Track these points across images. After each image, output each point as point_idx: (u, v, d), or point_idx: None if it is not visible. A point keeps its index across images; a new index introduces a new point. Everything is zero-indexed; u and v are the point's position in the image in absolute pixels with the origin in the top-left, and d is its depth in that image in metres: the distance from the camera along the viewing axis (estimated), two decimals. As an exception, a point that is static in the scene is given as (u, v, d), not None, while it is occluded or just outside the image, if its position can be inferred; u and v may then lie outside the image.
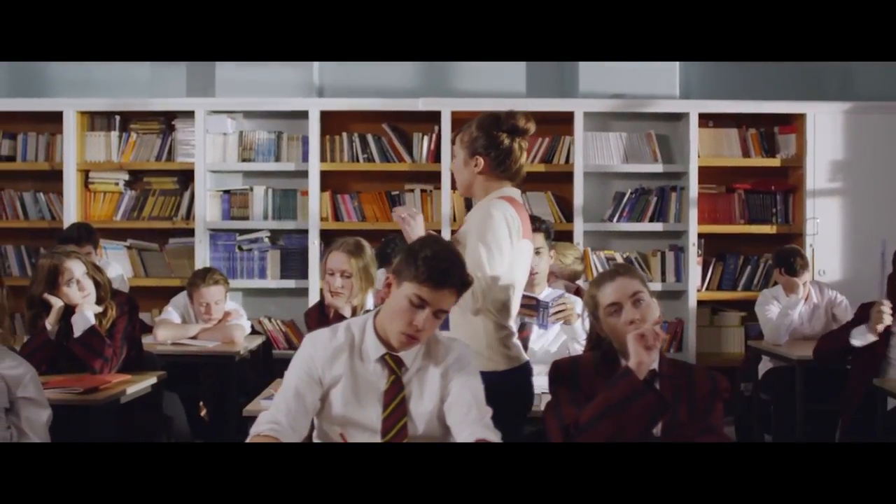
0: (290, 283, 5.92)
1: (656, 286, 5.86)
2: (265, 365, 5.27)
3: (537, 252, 4.01)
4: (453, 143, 3.24)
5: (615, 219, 5.91)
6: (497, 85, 6.09)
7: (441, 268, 2.50)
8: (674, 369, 2.74)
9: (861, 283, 5.36)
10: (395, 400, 2.58)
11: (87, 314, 3.82)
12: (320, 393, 2.58)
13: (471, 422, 2.50)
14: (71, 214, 5.85)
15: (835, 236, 5.80)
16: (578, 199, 5.81)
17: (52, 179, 6.00)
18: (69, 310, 3.86)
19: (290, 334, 5.97)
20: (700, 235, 5.84)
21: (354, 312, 3.77)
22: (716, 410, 2.72)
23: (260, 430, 2.47)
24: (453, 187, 5.84)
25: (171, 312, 4.98)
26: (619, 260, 5.89)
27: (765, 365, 5.20)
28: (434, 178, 5.92)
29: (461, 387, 2.57)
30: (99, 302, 3.90)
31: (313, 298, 5.77)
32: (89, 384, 3.58)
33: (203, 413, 5.06)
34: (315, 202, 5.82)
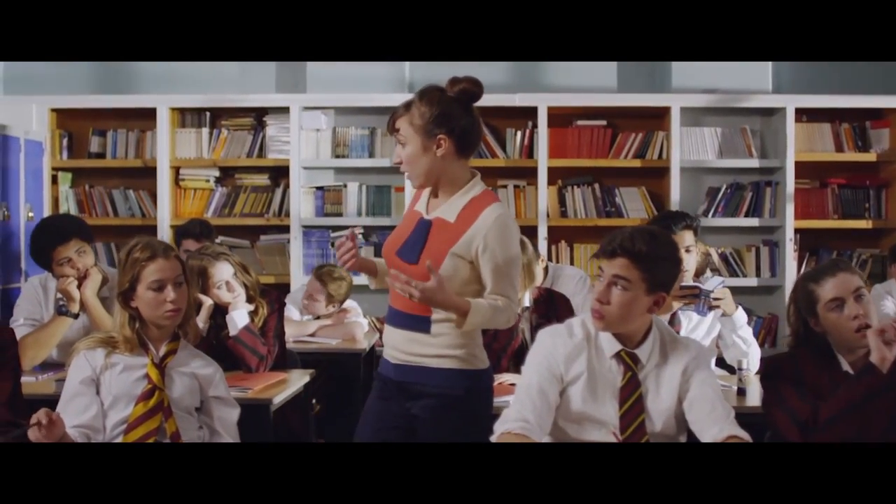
0: (385, 280, 5.87)
1: (751, 281, 5.86)
2: (370, 362, 5.24)
3: (687, 250, 3.97)
4: (394, 130, 2.87)
5: (710, 214, 5.89)
6: (588, 80, 6.08)
7: (609, 238, 2.58)
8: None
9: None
10: (632, 397, 2.57)
11: (242, 313, 3.79)
12: (560, 389, 2.56)
13: (717, 419, 2.49)
14: (164, 211, 5.81)
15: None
16: (675, 194, 5.78)
17: (140, 176, 5.97)
18: (219, 309, 3.83)
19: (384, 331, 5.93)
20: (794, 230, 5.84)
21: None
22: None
23: (510, 428, 2.45)
24: (549, 182, 5.84)
25: (290, 309, 4.94)
26: (715, 255, 5.89)
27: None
28: (527, 173, 5.90)
29: (702, 384, 2.56)
30: (249, 301, 3.86)
31: (409, 295, 5.73)
32: (252, 383, 3.55)
33: (316, 411, 5.02)
34: (410, 198, 5.77)
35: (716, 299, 3.73)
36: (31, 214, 5.54)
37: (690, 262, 3.98)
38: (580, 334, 2.60)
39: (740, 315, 3.83)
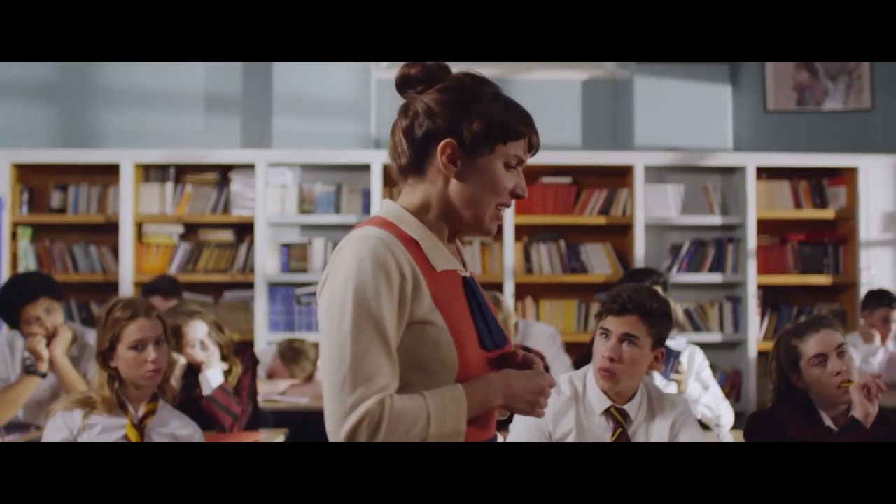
0: (351, 337, 5.83)
1: (715, 337, 5.91)
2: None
3: None
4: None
5: (674, 270, 5.96)
6: (553, 137, 6.13)
7: (613, 295, 2.60)
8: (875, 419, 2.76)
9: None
10: (623, 454, 2.56)
11: (216, 372, 3.74)
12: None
13: (709, 476, 2.49)
14: (127, 267, 5.73)
15: (888, 286, 5.91)
16: (639, 250, 5.84)
17: (102, 232, 5.89)
18: (191, 367, 3.77)
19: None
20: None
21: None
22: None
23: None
24: (515, 239, 5.87)
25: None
26: (679, 311, 5.92)
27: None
28: (493, 230, 5.92)
29: (692, 440, 2.57)
30: (223, 360, 3.81)
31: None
32: (230, 443, 3.49)
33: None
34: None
35: (677, 373, 3.76)
36: (-10, 271, 5.44)
37: None
38: (567, 392, 2.61)
39: (693, 390, 3.87)
